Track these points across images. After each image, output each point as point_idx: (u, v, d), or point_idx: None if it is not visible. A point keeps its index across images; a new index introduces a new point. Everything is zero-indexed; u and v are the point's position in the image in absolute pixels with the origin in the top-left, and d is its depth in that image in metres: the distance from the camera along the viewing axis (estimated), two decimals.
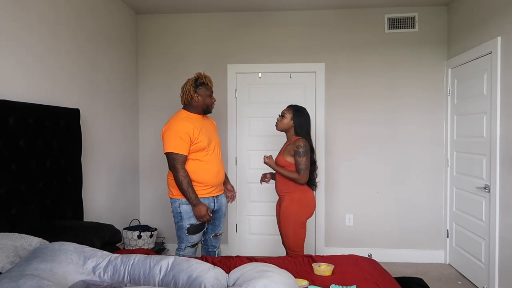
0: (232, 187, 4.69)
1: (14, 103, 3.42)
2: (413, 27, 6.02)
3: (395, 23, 6.03)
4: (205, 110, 4.27)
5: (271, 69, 6.22)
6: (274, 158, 4.54)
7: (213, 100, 4.29)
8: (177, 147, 3.99)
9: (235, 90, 6.28)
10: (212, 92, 4.29)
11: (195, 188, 4.08)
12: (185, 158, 4.03)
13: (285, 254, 4.48)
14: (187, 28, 6.31)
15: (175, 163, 3.99)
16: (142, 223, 6.25)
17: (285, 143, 4.53)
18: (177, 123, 4.05)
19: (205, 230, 4.35)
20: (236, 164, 6.33)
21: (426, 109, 6.06)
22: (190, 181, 4.02)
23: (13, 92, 3.57)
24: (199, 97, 4.17)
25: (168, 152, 4.03)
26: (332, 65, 6.16)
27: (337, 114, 6.17)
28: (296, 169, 4.28)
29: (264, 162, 4.42)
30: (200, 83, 4.17)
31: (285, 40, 6.20)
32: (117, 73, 5.65)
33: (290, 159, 4.32)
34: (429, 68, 6.05)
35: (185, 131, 4.00)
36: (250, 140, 6.33)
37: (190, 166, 4.08)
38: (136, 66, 6.32)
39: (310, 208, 4.39)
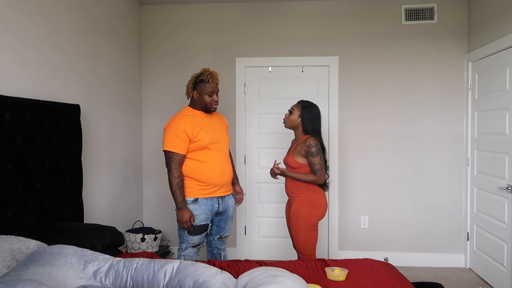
0: (241, 189, 4.68)
1: (10, 98, 3.41)
2: (431, 18, 5.96)
3: (413, 14, 5.98)
4: (204, 109, 4.22)
5: (282, 62, 6.19)
6: (282, 159, 4.54)
7: (214, 99, 4.19)
8: (174, 146, 4.03)
9: (244, 85, 6.26)
10: (213, 91, 4.18)
11: (198, 187, 4.13)
12: (181, 157, 4.07)
13: (296, 258, 4.46)
14: (193, 20, 6.29)
15: (169, 162, 4.06)
16: (145, 225, 6.24)
17: (294, 142, 4.52)
18: (177, 121, 4.08)
19: (208, 232, 4.34)
20: (244, 163, 6.31)
21: (445, 105, 6.01)
22: (180, 183, 4.06)
23: (10, 87, 3.55)
24: (197, 94, 4.17)
25: (165, 150, 4.08)
26: (346, 59, 6.12)
27: (351, 110, 6.14)
28: (312, 170, 4.26)
29: (276, 174, 4.43)
30: (200, 80, 4.14)
31: (296, 32, 6.17)
32: (119, 67, 5.64)
33: (301, 160, 4.30)
34: (448, 62, 6.00)
35: (182, 129, 4.02)
36: (260, 137, 6.31)
37: (191, 165, 4.11)
38: (139, 60, 6.31)
39: (321, 210, 4.36)
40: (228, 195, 4.40)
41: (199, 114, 4.20)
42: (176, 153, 4.02)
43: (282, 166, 4.49)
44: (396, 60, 6.06)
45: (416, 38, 6.03)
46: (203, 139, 4.07)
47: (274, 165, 4.40)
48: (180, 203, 4.04)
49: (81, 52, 4.70)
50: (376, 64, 6.09)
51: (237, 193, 4.64)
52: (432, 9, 5.95)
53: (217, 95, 4.23)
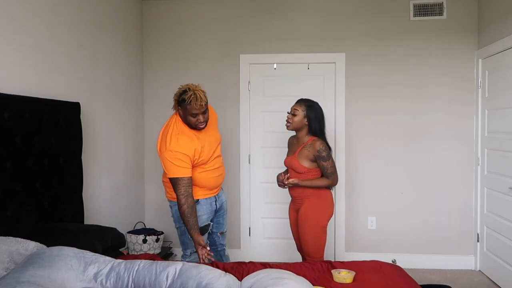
0: None
1: (9, 96, 3.40)
2: (440, 14, 5.93)
3: (421, 10, 5.95)
4: (190, 128, 4.00)
5: (287, 59, 6.17)
6: (284, 161, 4.56)
7: (198, 120, 3.90)
8: (180, 171, 3.87)
9: (248, 82, 6.24)
10: (197, 113, 3.87)
11: (197, 188, 4.09)
12: (188, 180, 3.89)
13: (301, 260, 4.45)
14: (196, 15, 6.27)
15: (176, 188, 3.88)
16: (147, 226, 6.22)
17: (295, 143, 4.49)
18: (177, 144, 3.87)
19: (209, 231, 4.34)
20: (249, 163, 6.30)
21: (454, 103, 5.98)
22: (188, 209, 3.86)
23: (8, 85, 3.54)
24: (182, 112, 3.96)
25: (170, 178, 3.93)
26: (353, 55, 6.10)
27: (358, 108, 6.11)
28: (324, 174, 4.26)
29: (287, 183, 4.36)
30: (183, 99, 3.86)
31: (302, 28, 6.15)
32: (120, 64, 5.63)
33: (307, 164, 4.27)
34: (458, 59, 5.96)
35: (186, 154, 3.87)
36: (265, 136, 6.29)
37: (192, 174, 4.00)
38: (141, 56, 6.30)
39: (330, 210, 4.37)
40: (221, 190, 4.45)
41: (192, 131, 4.01)
42: (182, 178, 3.87)
43: (284, 167, 4.46)
44: (404, 57, 6.03)
45: (425, 35, 5.99)
46: (204, 158, 4.01)
47: (285, 180, 4.32)
48: (190, 230, 3.90)
49: (82, 48, 4.69)
50: (383, 61, 6.06)
51: None
52: (441, 4, 5.91)
53: (203, 114, 3.93)
